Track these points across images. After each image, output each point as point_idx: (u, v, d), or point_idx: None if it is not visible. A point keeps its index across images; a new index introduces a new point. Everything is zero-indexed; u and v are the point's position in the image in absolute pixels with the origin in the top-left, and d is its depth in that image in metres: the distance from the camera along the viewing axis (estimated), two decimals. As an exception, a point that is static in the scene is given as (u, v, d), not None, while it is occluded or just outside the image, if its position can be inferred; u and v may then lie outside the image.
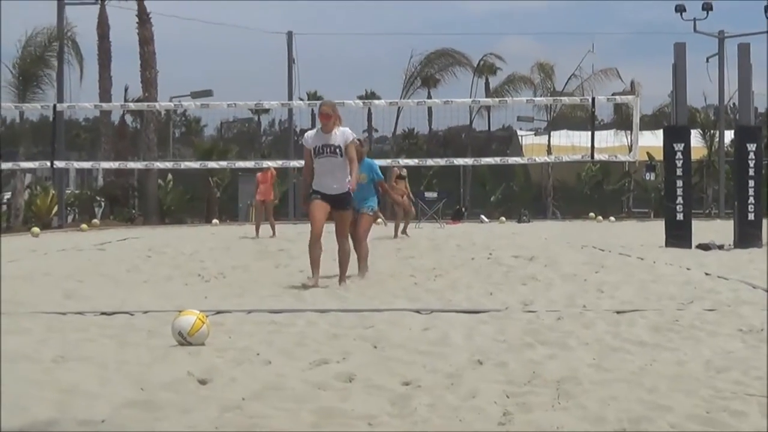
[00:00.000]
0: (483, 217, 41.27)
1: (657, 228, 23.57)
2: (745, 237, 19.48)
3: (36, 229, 29.73)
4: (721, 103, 46.65)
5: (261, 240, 23.34)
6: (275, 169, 26.65)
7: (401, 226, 25.43)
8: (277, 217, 28.27)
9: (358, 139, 13.26)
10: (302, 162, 13.46)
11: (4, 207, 39.52)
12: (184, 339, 7.52)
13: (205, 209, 45.38)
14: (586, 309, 9.71)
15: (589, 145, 23.48)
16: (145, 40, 43.73)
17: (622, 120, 49.25)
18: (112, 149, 45.16)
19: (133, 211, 44.95)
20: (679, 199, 20.19)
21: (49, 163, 25.39)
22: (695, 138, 40.46)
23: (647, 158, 45.37)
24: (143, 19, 43.69)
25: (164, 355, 7.13)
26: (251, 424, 5.15)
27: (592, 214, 42.37)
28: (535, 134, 54.71)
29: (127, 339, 7.93)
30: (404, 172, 27.13)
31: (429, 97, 49.39)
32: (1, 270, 13.64)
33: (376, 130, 62.12)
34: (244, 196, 44.87)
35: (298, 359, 7.02)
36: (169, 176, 44.89)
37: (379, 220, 21.86)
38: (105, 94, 43.15)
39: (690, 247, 19.39)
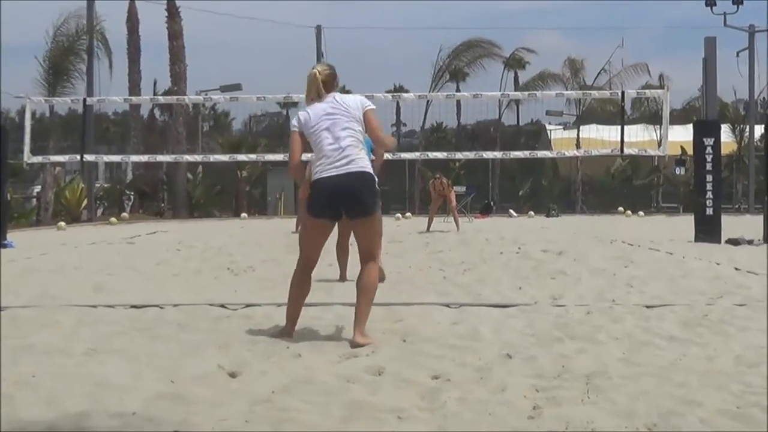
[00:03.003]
0: (511, 211, 41.21)
1: (686, 223, 23.50)
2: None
3: (62, 224, 29.95)
4: (751, 97, 46.43)
5: (290, 234, 23.34)
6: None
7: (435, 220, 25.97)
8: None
9: None
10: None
11: (34, 201, 39.75)
12: None
13: (233, 203, 45.50)
14: (616, 303, 9.68)
15: (619, 139, 23.38)
16: (175, 34, 43.87)
17: (651, 114, 49.07)
18: (141, 143, 45.40)
19: (162, 205, 45.13)
20: (709, 194, 20.12)
21: (78, 157, 25.49)
22: (725, 133, 40.29)
23: (681, 152, 45.19)
24: (172, 13, 43.84)
25: (194, 349, 7.16)
26: (281, 417, 5.17)
27: (621, 209, 42.25)
28: (564, 128, 54.55)
29: (157, 332, 7.97)
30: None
31: (458, 90, 49.27)
32: (33, 264, 13.71)
33: (405, 124, 62.08)
34: (273, 190, 44.95)
35: (328, 353, 7.03)
36: (200, 169, 45.01)
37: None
38: (134, 88, 43.39)
39: (719, 242, 19.32)
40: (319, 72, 7.82)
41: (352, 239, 9.15)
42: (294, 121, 7.88)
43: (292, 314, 7.83)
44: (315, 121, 7.70)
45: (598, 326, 8.23)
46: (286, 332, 7.74)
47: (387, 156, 29.21)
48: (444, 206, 27.78)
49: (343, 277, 12.25)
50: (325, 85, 7.82)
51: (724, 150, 31.26)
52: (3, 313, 8.85)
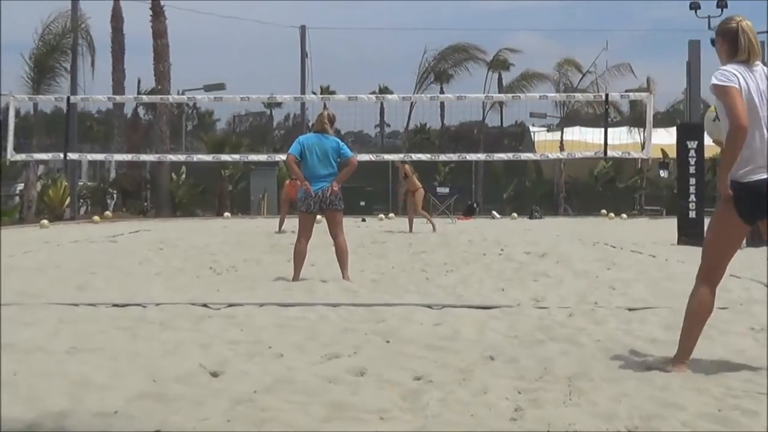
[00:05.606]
0: (495, 213, 41.22)
1: (669, 225, 23.53)
2: (758, 236, 19.36)
3: (45, 222, 29.88)
4: (734, 100, 46.46)
5: (273, 234, 23.32)
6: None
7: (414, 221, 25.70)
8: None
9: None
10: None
11: (17, 198, 39.60)
12: None
13: (216, 202, 45.41)
14: (598, 306, 9.70)
15: (602, 141, 23.40)
16: (159, 33, 43.75)
17: (635, 117, 49.12)
18: (124, 141, 45.24)
19: (145, 204, 45.01)
20: (692, 197, 20.18)
21: (62, 155, 25.40)
22: (709, 136, 40.27)
23: (661, 155, 45.22)
24: (157, 12, 43.73)
25: (176, 348, 7.15)
26: (263, 417, 5.16)
27: (604, 211, 42.29)
28: (548, 130, 54.58)
29: (139, 331, 7.95)
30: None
31: (442, 92, 49.26)
32: (14, 262, 13.67)
33: (389, 125, 62.21)
34: (256, 190, 44.84)
35: (310, 353, 7.02)
36: (183, 169, 44.90)
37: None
38: (118, 87, 43.24)
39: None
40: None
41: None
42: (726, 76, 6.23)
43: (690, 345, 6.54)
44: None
45: (581, 328, 8.25)
46: None
47: (371, 158, 29.26)
48: (426, 206, 27.59)
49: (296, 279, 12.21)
50: None
51: (708, 153, 31.26)
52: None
